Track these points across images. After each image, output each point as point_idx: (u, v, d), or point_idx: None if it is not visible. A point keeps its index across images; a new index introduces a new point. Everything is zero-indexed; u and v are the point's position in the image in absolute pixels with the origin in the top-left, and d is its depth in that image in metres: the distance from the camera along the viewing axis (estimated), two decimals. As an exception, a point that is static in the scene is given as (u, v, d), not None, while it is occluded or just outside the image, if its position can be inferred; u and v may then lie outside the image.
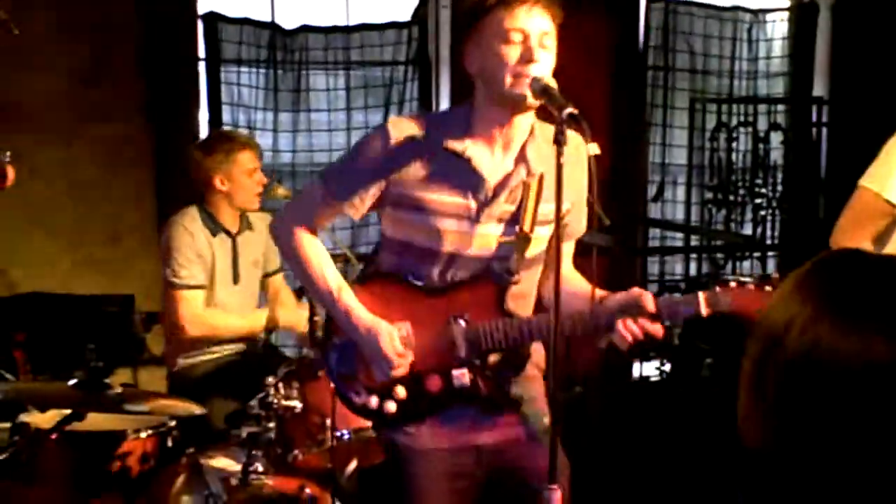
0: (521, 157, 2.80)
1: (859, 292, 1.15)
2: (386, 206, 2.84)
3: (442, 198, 2.78)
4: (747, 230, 7.11)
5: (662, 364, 6.47)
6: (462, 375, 2.83)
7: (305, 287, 3.19)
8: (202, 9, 5.72)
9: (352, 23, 6.15)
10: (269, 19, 5.96)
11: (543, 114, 2.66)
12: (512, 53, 2.65)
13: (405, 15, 6.23)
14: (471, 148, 2.77)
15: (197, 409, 3.61)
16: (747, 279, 2.79)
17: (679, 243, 7.31)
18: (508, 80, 2.66)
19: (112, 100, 5.51)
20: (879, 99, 6.76)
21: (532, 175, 2.78)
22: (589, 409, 5.73)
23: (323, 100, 6.14)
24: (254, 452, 3.43)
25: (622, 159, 6.37)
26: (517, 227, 2.79)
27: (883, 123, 6.63)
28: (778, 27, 7.18)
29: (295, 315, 4.53)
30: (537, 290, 2.95)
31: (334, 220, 3.08)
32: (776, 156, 7.11)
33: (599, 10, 6.19)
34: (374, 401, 2.88)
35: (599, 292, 2.75)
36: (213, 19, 5.76)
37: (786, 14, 7.16)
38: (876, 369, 1.10)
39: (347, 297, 2.86)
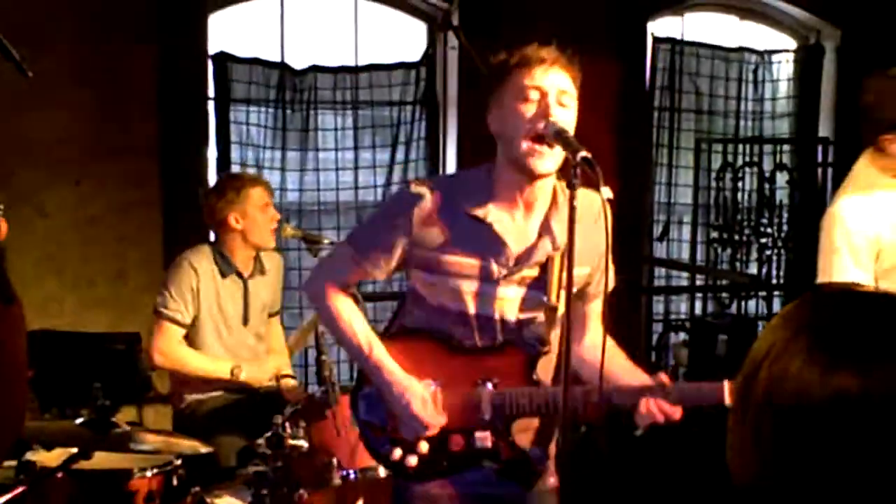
0: (546, 228, 2.80)
1: (838, 326, 1.14)
2: (411, 266, 2.87)
3: (463, 260, 2.79)
4: (752, 270, 7.11)
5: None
6: (485, 438, 2.84)
7: (339, 343, 3.16)
8: (213, 49, 5.77)
9: (360, 63, 6.20)
10: (278, 59, 6.01)
11: (564, 176, 2.62)
12: (528, 111, 2.67)
13: (414, 56, 6.27)
14: (493, 213, 2.78)
15: (203, 448, 3.61)
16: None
17: (684, 282, 7.31)
18: (524, 142, 2.67)
19: (121, 138, 5.54)
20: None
21: (558, 248, 2.78)
22: (595, 449, 5.71)
23: (331, 139, 6.17)
24: (260, 492, 3.43)
25: (628, 199, 6.39)
26: (545, 299, 2.80)
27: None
28: (784, 68, 7.22)
29: (281, 358, 4.59)
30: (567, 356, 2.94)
31: (365, 278, 3.07)
32: (781, 195, 7.13)
33: (606, 50, 6.23)
34: (397, 453, 2.88)
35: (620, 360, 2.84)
36: (223, 59, 5.80)
37: (791, 55, 7.20)
38: (844, 402, 1.09)
39: (379, 352, 2.86)
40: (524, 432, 2.90)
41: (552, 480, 2.94)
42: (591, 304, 2.95)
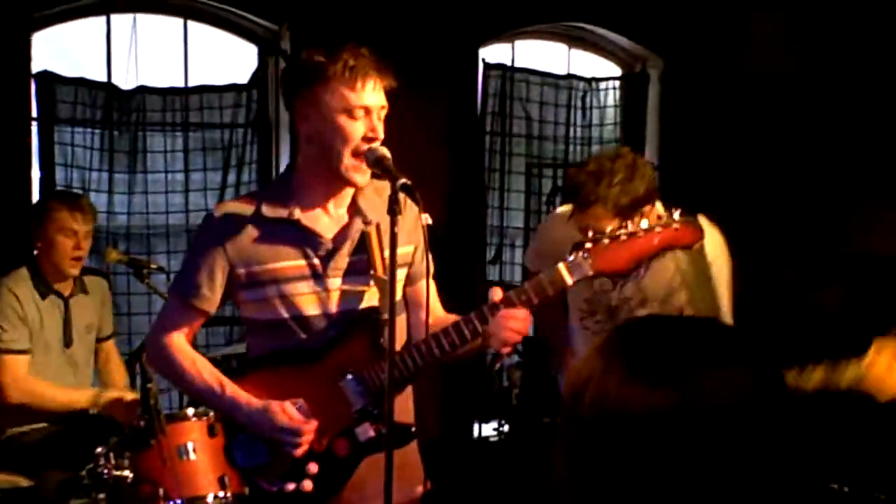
0: (354, 209, 2.88)
1: (647, 349, 1.24)
2: (237, 290, 2.86)
3: (286, 264, 2.82)
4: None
5: (501, 424, 6.56)
6: (365, 429, 2.85)
7: (188, 395, 3.17)
8: (36, 67, 5.60)
9: (190, 84, 6.11)
10: (104, 80, 5.87)
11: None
12: (356, 130, 2.73)
13: (244, 77, 6.21)
14: (298, 210, 2.83)
15: (23, 482, 3.50)
16: (601, 237, 2.73)
17: (517, 304, 7.39)
18: (348, 158, 2.74)
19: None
20: (706, 165, 7.05)
21: (370, 223, 2.85)
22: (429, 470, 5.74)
23: (160, 161, 6.05)
24: (82, 525, 3.34)
25: (462, 222, 6.47)
26: (371, 273, 2.84)
27: (710, 190, 6.93)
28: (610, 95, 7.42)
29: (121, 383, 4.47)
30: (408, 335, 3.00)
31: (199, 324, 2.98)
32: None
33: (437, 76, 6.30)
34: (290, 486, 2.85)
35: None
36: (47, 79, 5.64)
37: (618, 83, 7.41)
38: (660, 415, 1.18)
39: (232, 389, 2.86)
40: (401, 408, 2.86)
41: (419, 489, 3.06)
42: (419, 285, 3.02)
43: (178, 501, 3.45)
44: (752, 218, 6.98)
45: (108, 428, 4.21)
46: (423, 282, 2.99)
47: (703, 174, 7.06)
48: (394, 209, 2.51)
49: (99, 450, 3.46)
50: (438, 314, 3.00)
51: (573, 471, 1.25)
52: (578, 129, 7.33)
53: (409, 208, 2.85)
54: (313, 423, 2.82)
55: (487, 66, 6.82)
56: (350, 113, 2.73)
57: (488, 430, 6.81)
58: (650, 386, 1.19)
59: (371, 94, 2.75)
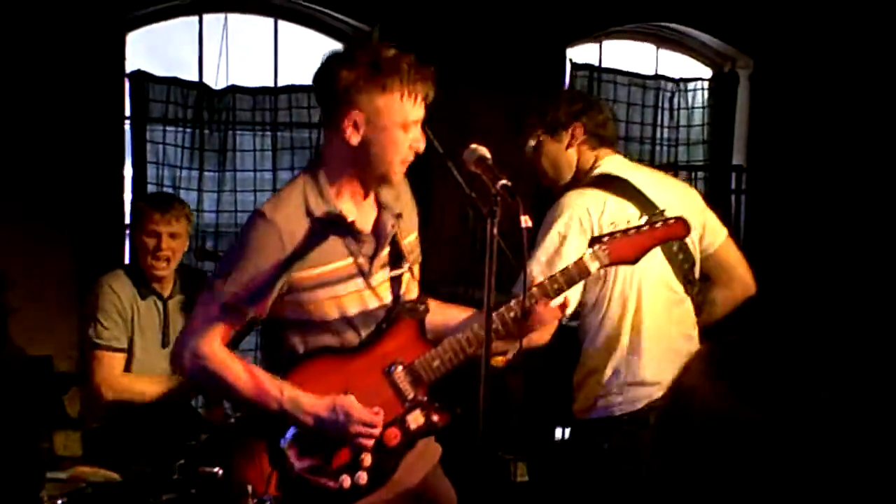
0: (379, 203, 2.94)
1: (752, 367, 1.28)
2: (285, 293, 2.83)
3: (336, 265, 2.84)
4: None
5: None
6: (417, 418, 2.90)
7: (238, 401, 3.13)
8: (129, 67, 5.70)
9: (280, 84, 6.17)
10: (196, 79, 5.95)
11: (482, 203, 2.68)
12: (407, 139, 2.81)
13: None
14: (343, 208, 2.86)
15: (114, 477, 3.56)
16: (616, 233, 3.10)
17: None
18: (397, 165, 2.83)
19: (34, 155, 5.43)
20: (795, 167, 6.94)
21: (399, 216, 2.93)
22: (512, 472, 5.74)
23: (249, 160, 6.12)
24: (173, 520, 3.38)
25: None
26: (404, 264, 2.94)
27: (799, 191, 6.82)
28: (699, 96, 7.32)
29: None
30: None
31: (243, 325, 2.91)
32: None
33: (525, 77, 6.28)
34: (346, 481, 2.88)
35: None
36: (140, 78, 5.73)
37: (706, 83, 7.31)
38: (753, 433, 1.22)
39: (290, 390, 2.81)
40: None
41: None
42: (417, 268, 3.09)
43: (268, 499, 3.47)
44: (841, 220, 6.86)
45: (198, 423, 4.26)
46: (416, 268, 3.11)
47: (793, 176, 6.95)
48: (493, 211, 2.49)
49: (190, 445, 3.50)
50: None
51: (668, 477, 1.29)
52: (666, 131, 7.24)
53: (408, 193, 3.01)
54: (381, 414, 2.83)
55: (575, 66, 6.77)
56: (405, 126, 2.79)
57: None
58: (742, 406, 1.23)
59: (421, 108, 2.81)
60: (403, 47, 2.83)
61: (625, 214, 3.43)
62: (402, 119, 2.77)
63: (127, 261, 5.26)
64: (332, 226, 2.83)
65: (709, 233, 3.69)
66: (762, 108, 7.19)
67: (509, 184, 2.52)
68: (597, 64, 6.98)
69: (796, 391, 1.23)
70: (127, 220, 5.49)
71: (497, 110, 5.99)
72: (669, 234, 3.20)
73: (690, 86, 7.29)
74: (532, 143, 3.61)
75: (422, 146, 2.83)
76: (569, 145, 3.60)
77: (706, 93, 7.31)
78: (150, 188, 5.77)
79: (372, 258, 2.87)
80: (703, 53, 7.38)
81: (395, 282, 2.92)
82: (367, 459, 2.88)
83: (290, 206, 2.82)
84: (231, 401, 3.17)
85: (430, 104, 2.85)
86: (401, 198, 2.99)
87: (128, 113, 5.73)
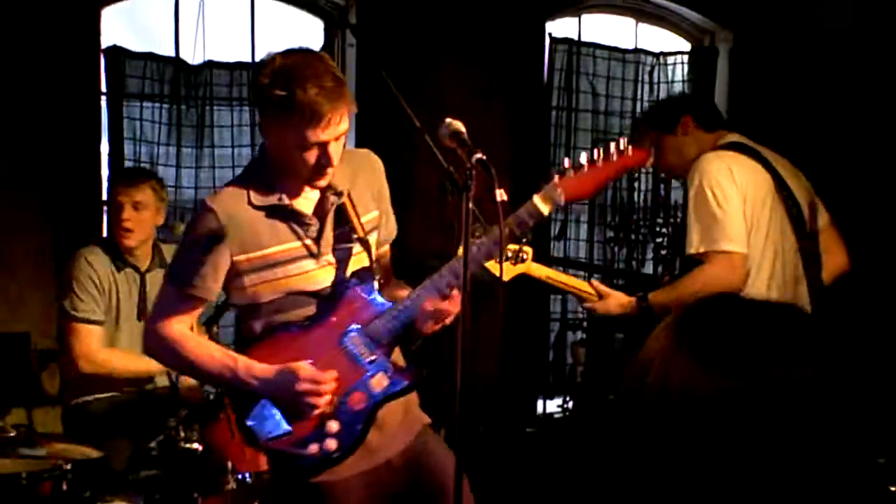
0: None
1: (716, 335, 1.25)
2: (237, 276, 2.91)
3: (283, 247, 2.90)
4: (648, 269, 7.20)
5: (566, 401, 6.53)
6: (380, 380, 2.93)
7: (201, 378, 3.31)
8: (105, 42, 5.64)
9: (257, 59, 6.12)
10: (173, 54, 5.90)
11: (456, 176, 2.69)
12: (310, 159, 2.80)
13: (312, 52, 6.19)
14: (285, 196, 2.90)
15: (94, 454, 3.54)
16: (567, 169, 3.03)
17: (582, 281, 7.35)
18: (314, 178, 2.87)
19: (9, 131, 5.38)
20: (775, 141, 6.93)
21: (341, 194, 2.93)
22: (493, 448, 5.74)
23: (227, 135, 6.08)
24: (153, 497, 3.37)
25: (525, 197, 6.41)
26: (354, 238, 2.96)
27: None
28: (678, 70, 7.32)
29: None
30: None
31: (199, 311, 3.11)
32: (676, 196, 7.23)
33: (503, 51, 6.26)
34: (314, 447, 2.90)
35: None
36: (116, 54, 5.67)
37: (686, 57, 7.31)
38: (719, 402, 1.20)
39: (243, 362, 2.91)
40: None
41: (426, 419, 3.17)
42: (384, 250, 3.17)
43: (247, 475, 3.47)
44: (821, 195, 6.87)
45: (177, 400, 4.25)
46: (387, 247, 3.19)
47: (772, 150, 6.94)
48: (468, 185, 2.51)
49: (170, 422, 3.49)
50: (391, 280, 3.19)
51: (628, 446, 1.29)
52: (645, 105, 7.23)
53: (372, 173, 3.02)
54: (332, 373, 2.87)
55: (554, 40, 6.75)
56: (306, 148, 2.78)
57: (553, 406, 6.79)
58: (714, 373, 1.21)
59: (330, 130, 2.77)
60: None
61: (753, 173, 3.98)
62: (301, 140, 2.77)
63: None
64: (274, 210, 2.89)
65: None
66: (742, 82, 7.19)
67: (484, 157, 2.54)
68: (576, 38, 6.96)
69: (760, 358, 1.22)
70: (104, 197, 5.45)
71: (476, 85, 5.97)
72: (627, 163, 3.10)
73: (670, 60, 7.28)
74: (651, 147, 3.94)
75: (331, 164, 2.81)
76: (684, 133, 4.08)
77: (686, 67, 7.31)
78: (128, 164, 5.72)
79: (317, 239, 2.92)
80: (683, 27, 7.37)
81: (345, 257, 2.95)
82: (334, 426, 2.91)
83: (232, 195, 2.92)
84: (194, 377, 3.22)
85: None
86: (358, 177, 3.01)
87: (104, 89, 5.67)
